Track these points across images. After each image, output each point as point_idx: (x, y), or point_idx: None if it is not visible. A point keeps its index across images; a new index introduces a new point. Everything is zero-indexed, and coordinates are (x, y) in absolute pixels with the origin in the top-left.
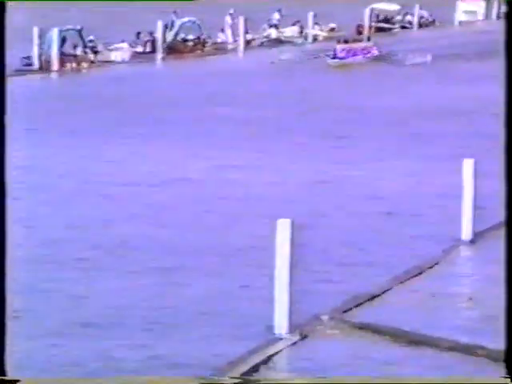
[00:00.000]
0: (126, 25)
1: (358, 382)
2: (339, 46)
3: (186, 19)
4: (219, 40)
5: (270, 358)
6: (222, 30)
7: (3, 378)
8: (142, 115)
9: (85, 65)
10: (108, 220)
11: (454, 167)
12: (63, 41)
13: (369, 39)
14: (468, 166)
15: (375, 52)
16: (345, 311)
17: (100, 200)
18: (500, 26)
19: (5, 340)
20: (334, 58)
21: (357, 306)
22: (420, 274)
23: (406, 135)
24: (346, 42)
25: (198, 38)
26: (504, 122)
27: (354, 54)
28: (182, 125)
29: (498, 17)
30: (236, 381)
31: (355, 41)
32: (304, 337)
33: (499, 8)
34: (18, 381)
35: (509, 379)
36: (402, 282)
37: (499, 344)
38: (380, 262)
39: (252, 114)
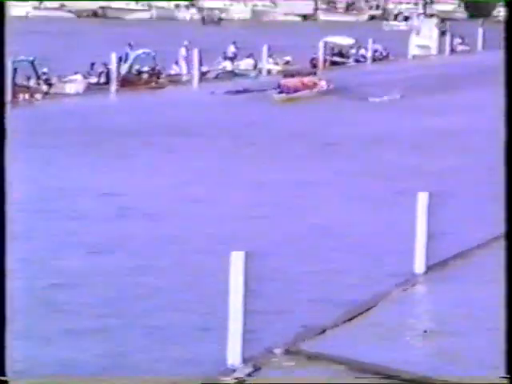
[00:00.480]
0: (81, 55)
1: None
2: (284, 81)
3: (140, 51)
4: (173, 72)
5: None
6: (176, 62)
7: None
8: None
9: (38, 96)
10: None
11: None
12: (15, 71)
13: (315, 74)
14: (422, 199)
15: (323, 86)
16: (298, 343)
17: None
18: (453, 60)
19: (5, 340)
20: (280, 92)
21: (310, 337)
22: (374, 306)
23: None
24: (292, 75)
25: (153, 69)
26: (504, 126)
27: (300, 89)
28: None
29: (452, 51)
30: (237, 381)
31: (302, 75)
32: (257, 368)
33: (452, 42)
34: (6, 382)
35: (509, 379)
36: (356, 316)
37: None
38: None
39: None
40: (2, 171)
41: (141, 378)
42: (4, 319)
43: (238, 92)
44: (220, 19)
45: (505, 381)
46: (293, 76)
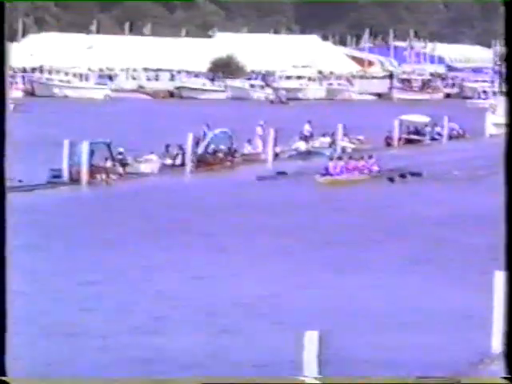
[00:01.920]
0: (156, 136)
1: (364, 382)
2: (332, 163)
3: (217, 130)
4: (246, 151)
5: None
6: (249, 141)
7: None
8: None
9: (113, 177)
10: None
11: None
12: (92, 153)
13: (370, 157)
14: (499, 278)
15: (375, 169)
16: None
17: None
18: None
19: (5, 340)
20: (324, 174)
21: None
22: None
23: None
24: (340, 158)
25: (229, 149)
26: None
27: (349, 171)
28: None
29: None
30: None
31: (353, 158)
32: None
33: None
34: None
35: (509, 379)
36: None
37: None
38: None
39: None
40: (2, 171)
41: (141, 379)
42: (4, 319)
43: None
44: (288, 99)
45: (505, 381)
46: (340, 159)
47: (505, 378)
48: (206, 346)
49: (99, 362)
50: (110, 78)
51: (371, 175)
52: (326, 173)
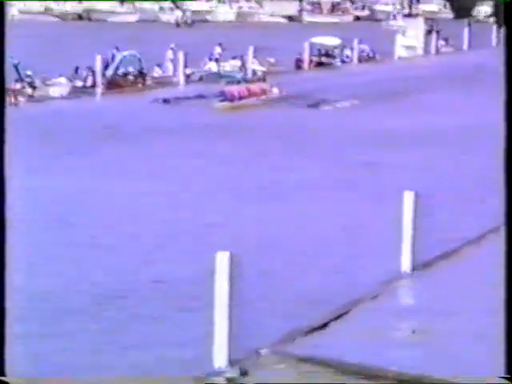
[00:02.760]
0: (66, 58)
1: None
2: (228, 88)
3: (126, 52)
4: (156, 74)
5: None
6: (159, 65)
7: None
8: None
9: (22, 99)
10: None
11: None
12: None
13: (264, 80)
14: (408, 198)
15: (274, 93)
16: (285, 344)
17: None
18: (437, 60)
19: (5, 340)
20: (223, 100)
21: (296, 338)
22: (361, 304)
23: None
24: (238, 82)
25: (140, 71)
26: (504, 129)
27: (246, 96)
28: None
29: (437, 51)
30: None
31: (251, 82)
32: (244, 372)
33: (437, 43)
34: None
35: (509, 379)
36: (343, 315)
37: (444, 373)
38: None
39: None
40: (2, 171)
41: (141, 378)
42: (4, 319)
43: (178, 99)
44: (193, 22)
45: (505, 381)
46: (238, 83)
47: (505, 377)
48: None
49: None
50: None
51: (269, 100)
52: (224, 98)
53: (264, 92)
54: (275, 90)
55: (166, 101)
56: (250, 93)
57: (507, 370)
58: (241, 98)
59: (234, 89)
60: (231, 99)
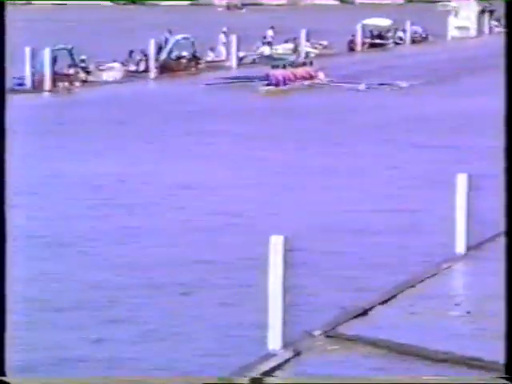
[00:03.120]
0: (119, 42)
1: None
2: (273, 71)
3: (179, 36)
4: (209, 58)
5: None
6: (211, 49)
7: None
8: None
9: (77, 84)
10: None
11: None
12: (54, 60)
13: (311, 63)
14: (462, 180)
15: (321, 78)
16: (337, 326)
17: None
18: (491, 41)
19: (5, 340)
20: (268, 84)
21: (348, 320)
22: (412, 287)
23: None
24: (284, 66)
25: (193, 55)
26: (504, 128)
27: (292, 80)
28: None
29: (490, 32)
30: (248, 381)
31: (297, 66)
32: (298, 353)
33: (490, 23)
34: (6, 382)
35: (509, 379)
36: (393, 297)
37: (495, 356)
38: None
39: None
40: (2, 170)
41: (140, 379)
42: (4, 319)
43: (225, 82)
44: (243, 5)
45: (505, 381)
46: (284, 67)
47: (505, 377)
48: None
49: None
50: None
51: (317, 84)
52: (269, 82)
53: (310, 76)
54: (321, 75)
55: (210, 84)
56: (295, 77)
57: (507, 370)
58: (286, 82)
59: (279, 73)
60: (276, 83)
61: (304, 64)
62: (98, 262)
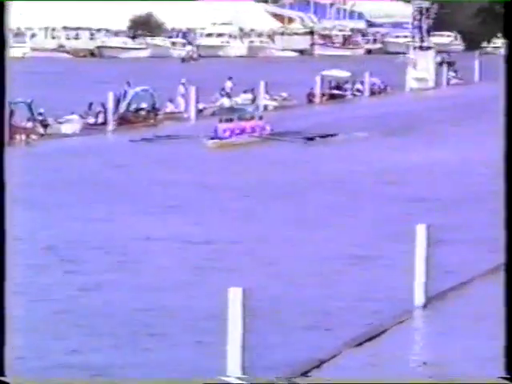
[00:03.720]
0: (77, 95)
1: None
2: (221, 125)
3: (138, 88)
4: (168, 110)
5: None
6: (171, 100)
7: None
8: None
9: (34, 137)
10: None
11: None
12: (11, 113)
13: (261, 118)
14: (421, 231)
15: (267, 130)
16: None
17: None
18: (447, 93)
19: (5, 340)
20: (213, 137)
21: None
22: (373, 338)
23: None
24: (230, 120)
25: (152, 107)
26: (504, 130)
27: (239, 133)
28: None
29: (448, 83)
30: (240, 381)
31: (244, 119)
32: None
33: (448, 74)
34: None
35: (509, 379)
36: (355, 346)
37: None
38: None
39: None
40: (2, 173)
41: (140, 380)
42: (4, 319)
43: (167, 138)
44: (200, 56)
45: (505, 381)
46: (231, 121)
47: (504, 378)
48: None
49: None
50: (32, 36)
51: (262, 137)
52: (215, 136)
53: (258, 129)
54: (268, 127)
55: (150, 139)
56: (243, 131)
57: (507, 370)
58: (232, 135)
59: (226, 126)
60: (222, 137)
61: (252, 118)
62: None
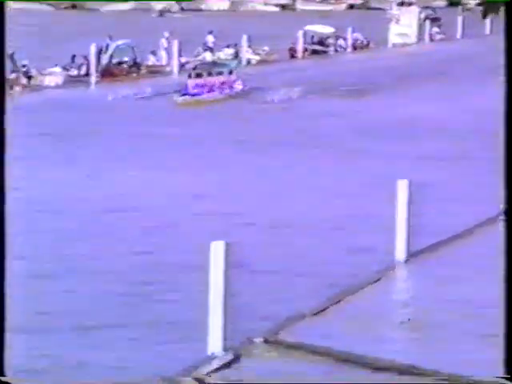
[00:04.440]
0: (60, 47)
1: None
2: (191, 81)
3: (120, 42)
4: (150, 63)
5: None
6: (153, 53)
7: None
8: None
9: (17, 89)
10: None
11: None
12: None
13: (231, 72)
14: (403, 186)
15: (239, 87)
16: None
17: None
18: (429, 48)
19: (4, 340)
20: (183, 94)
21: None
22: (355, 293)
23: None
24: (199, 75)
25: (134, 60)
26: (504, 128)
27: (210, 90)
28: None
29: (431, 39)
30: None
31: (213, 74)
32: (238, 357)
33: (431, 30)
34: (6, 382)
35: (509, 379)
36: (337, 302)
37: (433, 364)
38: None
39: None
40: (2, 172)
41: (139, 380)
42: (4, 319)
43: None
44: (182, 9)
45: (505, 381)
46: (201, 76)
47: (505, 377)
48: None
49: None
50: None
51: (233, 94)
52: (186, 92)
53: (229, 86)
54: (238, 84)
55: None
56: (212, 87)
57: (507, 370)
58: (202, 92)
59: (195, 82)
60: (192, 94)
61: (220, 73)
62: None
